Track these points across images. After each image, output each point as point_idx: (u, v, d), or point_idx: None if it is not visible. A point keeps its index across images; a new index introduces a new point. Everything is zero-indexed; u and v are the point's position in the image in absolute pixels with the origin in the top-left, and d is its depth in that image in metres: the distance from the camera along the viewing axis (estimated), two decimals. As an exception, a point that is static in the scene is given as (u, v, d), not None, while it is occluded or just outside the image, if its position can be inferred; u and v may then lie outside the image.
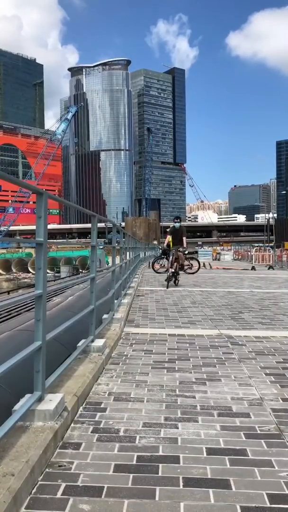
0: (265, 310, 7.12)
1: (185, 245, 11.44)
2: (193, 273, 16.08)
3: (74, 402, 2.65)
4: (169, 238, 11.67)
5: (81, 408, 2.78)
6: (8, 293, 21.03)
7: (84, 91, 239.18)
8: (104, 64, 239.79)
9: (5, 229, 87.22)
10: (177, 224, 11.59)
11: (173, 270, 10.87)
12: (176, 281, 11.11)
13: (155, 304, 7.83)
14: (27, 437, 2.08)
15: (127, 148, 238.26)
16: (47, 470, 2.01)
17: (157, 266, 16.30)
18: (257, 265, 24.76)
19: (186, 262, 16.60)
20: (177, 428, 2.50)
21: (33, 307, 3.20)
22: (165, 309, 7.28)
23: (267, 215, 66.37)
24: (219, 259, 35.29)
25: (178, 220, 11.78)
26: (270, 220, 53.12)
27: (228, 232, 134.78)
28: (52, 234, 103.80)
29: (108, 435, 2.40)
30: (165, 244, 11.91)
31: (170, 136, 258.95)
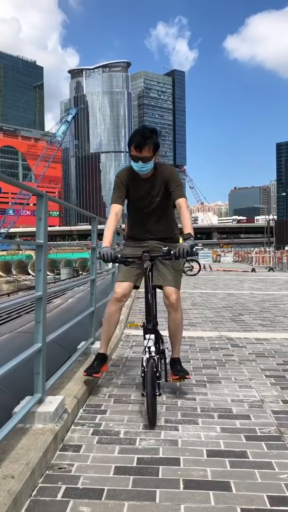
0: (265, 312, 7.11)
1: (189, 229, 2.79)
2: (193, 275, 16.08)
3: (74, 404, 2.65)
4: (116, 212, 3.00)
5: (81, 410, 2.78)
6: (8, 295, 21.01)
7: (84, 93, 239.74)
8: (104, 66, 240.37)
9: (5, 231, 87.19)
10: (144, 166, 2.90)
11: (154, 354, 2.66)
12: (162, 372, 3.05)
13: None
14: (27, 439, 2.08)
15: (127, 150, 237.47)
16: (47, 472, 2.01)
17: None
18: (257, 267, 24.77)
19: (186, 264, 16.58)
20: (177, 430, 2.50)
21: (33, 309, 3.20)
22: (165, 310, 7.26)
23: (267, 217, 66.29)
24: (219, 261, 35.29)
25: (150, 143, 2.86)
26: (270, 222, 53.07)
27: (228, 234, 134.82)
28: (52, 236, 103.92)
29: (108, 437, 2.39)
30: (106, 241, 2.87)
31: (170, 138, 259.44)
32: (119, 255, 2.89)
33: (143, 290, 2.94)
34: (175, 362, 3.20)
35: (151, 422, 2.52)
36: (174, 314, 3.25)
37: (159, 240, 3.16)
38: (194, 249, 2.73)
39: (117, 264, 4.01)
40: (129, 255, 2.96)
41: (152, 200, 3.06)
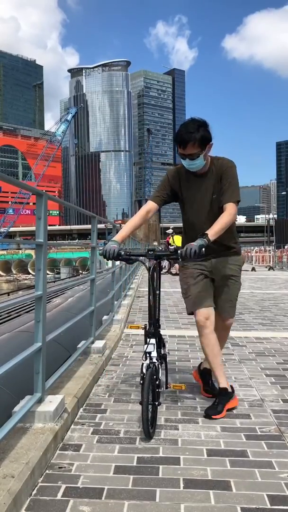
0: (266, 311, 7.11)
1: (212, 230, 2.53)
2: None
3: (74, 403, 2.64)
4: (148, 209, 2.84)
5: (81, 410, 2.78)
6: (8, 295, 21.03)
7: (84, 92, 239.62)
8: (104, 65, 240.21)
9: (5, 231, 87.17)
10: (192, 163, 2.63)
11: (154, 361, 2.53)
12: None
13: (155, 305, 7.80)
14: (27, 438, 2.08)
15: (127, 149, 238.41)
16: (47, 471, 2.01)
17: None
18: (257, 266, 24.75)
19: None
20: (177, 429, 2.50)
21: (33, 309, 3.20)
22: (165, 310, 7.26)
23: (267, 216, 66.27)
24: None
25: (195, 139, 2.53)
26: (270, 221, 53.05)
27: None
28: (52, 235, 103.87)
29: (108, 437, 2.39)
30: (118, 235, 2.76)
31: (170, 137, 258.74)
32: (123, 252, 2.61)
33: (144, 290, 2.93)
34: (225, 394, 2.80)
35: (146, 433, 2.32)
36: (224, 333, 3.11)
37: (220, 250, 2.75)
38: (203, 250, 2.40)
39: (118, 263, 3.59)
40: (133, 253, 2.70)
41: (210, 198, 2.71)
